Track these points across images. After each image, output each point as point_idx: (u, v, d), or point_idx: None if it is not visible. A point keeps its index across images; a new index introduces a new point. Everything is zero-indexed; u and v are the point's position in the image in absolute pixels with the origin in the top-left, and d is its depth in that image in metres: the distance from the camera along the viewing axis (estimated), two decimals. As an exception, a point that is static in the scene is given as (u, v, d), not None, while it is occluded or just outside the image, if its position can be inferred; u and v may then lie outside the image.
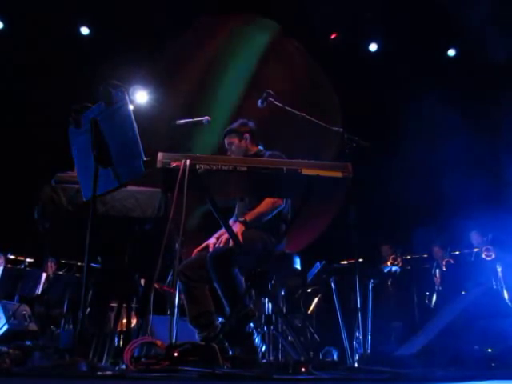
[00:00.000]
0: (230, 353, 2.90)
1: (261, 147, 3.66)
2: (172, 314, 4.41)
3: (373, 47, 8.27)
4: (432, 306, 6.53)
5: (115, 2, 7.17)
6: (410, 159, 7.88)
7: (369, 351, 4.66)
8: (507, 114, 7.21)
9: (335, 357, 5.51)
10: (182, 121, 3.36)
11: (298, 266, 3.48)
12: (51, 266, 7.03)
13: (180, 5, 7.25)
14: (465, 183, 7.49)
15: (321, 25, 7.62)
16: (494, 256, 6.26)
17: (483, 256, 6.33)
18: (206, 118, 3.36)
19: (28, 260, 6.95)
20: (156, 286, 5.01)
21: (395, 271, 6.77)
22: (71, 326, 5.99)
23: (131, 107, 2.49)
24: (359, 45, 8.27)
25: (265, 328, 3.23)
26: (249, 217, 3.26)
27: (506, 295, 5.88)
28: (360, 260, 5.89)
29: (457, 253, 6.89)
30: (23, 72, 7.30)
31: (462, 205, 7.36)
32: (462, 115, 7.65)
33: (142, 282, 4.19)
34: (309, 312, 5.73)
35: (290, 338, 3.51)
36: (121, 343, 4.05)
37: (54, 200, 2.80)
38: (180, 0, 7.37)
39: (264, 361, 3.21)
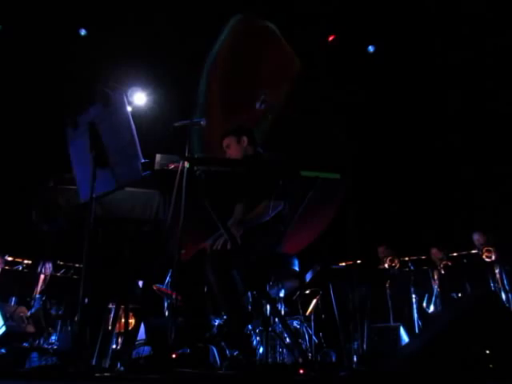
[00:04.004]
0: (228, 354, 2.90)
1: (259, 149, 3.66)
2: (170, 315, 4.40)
3: (371, 48, 8.27)
4: (430, 308, 6.53)
5: (114, 3, 7.17)
6: (409, 159, 7.90)
7: (366, 353, 4.67)
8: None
9: (333, 358, 5.51)
10: (179, 123, 3.36)
11: (296, 267, 3.48)
12: (49, 267, 7.01)
13: (179, 5, 7.26)
14: (465, 183, 7.53)
15: (320, 26, 7.64)
16: (494, 257, 6.25)
17: (483, 257, 6.31)
18: (204, 119, 3.36)
19: (26, 262, 6.93)
20: (154, 287, 5.00)
21: (393, 273, 6.77)
22: (69, 328, 5.97)
23: (129, 109, 2.49)
24: (358, 46, 8.27)
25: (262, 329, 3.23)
26: (247, 218, 3.26)
27: (503, 297, 5.89)
28: (358, 262, 5.90)
29: (455, 254, 6.88)
30: (23, 72, 7.30)
31: (462, 205, 7.38)
32: (462, 116, 7.68)
33: (140, 283, 4.19)
34: (307, 314, 5.72)
35: (288, 340, 3.52)
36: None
37: (52, 202, 2.80)
38: (179, 0, 7.37)
39: (262, 362, 3.20)
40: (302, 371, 2.21)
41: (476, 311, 2.79)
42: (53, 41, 7.35)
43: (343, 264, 6.11)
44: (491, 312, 2.78)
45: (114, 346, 3.82)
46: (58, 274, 6.87)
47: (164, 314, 5.19)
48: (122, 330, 4.29)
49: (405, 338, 5.65)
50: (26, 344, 5.33)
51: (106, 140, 2.50)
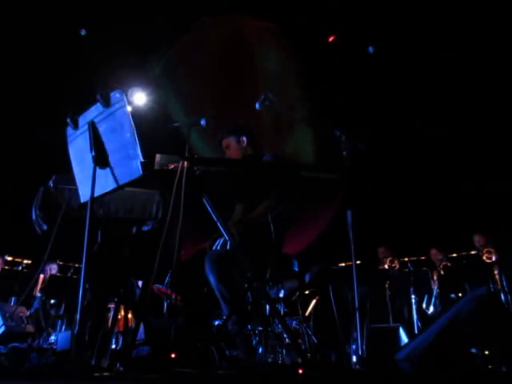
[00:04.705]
0: (228, 354, 2.90)
1: (258, 150, 3.66)
2: (169, 315, 4.41)
3: (371, 48, 8.25)
4: (429, 309, 6.53)
5: (114, 3, 7.17)
6: (409, 160, 7.90)
7: (366, 354, 4.66)
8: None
9: (333, 359, 5.50)
10: (179, 123, 3.36)
11: (295, 267, 3.48)
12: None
13: (179, 5, 7.26)
14: (465, 183, 7.52)
15: (320, 26, 7.64)
16: (494, 258, 6.25)
17: (484, 258, 6.31)
18: (204, 119, 3.36)
19: (26, 261, 6.94)
20: (153, 288, 5.00)
21: (393, 273, 6.77)
22: (68, 328, 5.98)
23: (129, 109, 2.48)
24: (358, 46, 8.26)
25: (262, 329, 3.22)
26: (247, 218, 3.26)
27: (502, 298, 5.88)
28: (358, 262, 5.89)
29: (454, 255, 6.89)
30: (23, 73, 7.30)
31: (462, 206, 7.38)
32: (462, 116, 7.67)
33: (140, 283, 4.18)
34: (306, 314, 5.71)
35: (287, 340, 3.51)
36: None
37: (52, 201, 2.80)
38: (179, 1, 7.37)
39: (261, 362, 3.20)
40: (301, 371, 2.21)
41: (476, 311, 2.80)
42: (53, 41, 7.35)
43: (343, 264, 6.11)
44: (491, 312, 2.79)
45: (113, 346, 3.82)
46: (58, 274, 6.87)
47: (164, 314, 5.19)
48: (122, 330, 4.29)
49: (404, 338, 5.64)
50: (25, 344, 5.33)
51: (105, 140, 2.50)
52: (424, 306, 6.57)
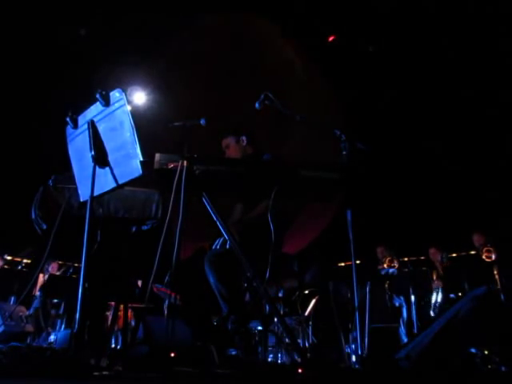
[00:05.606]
0: (228, 353, 2.90)
1: (258, 149, 3.65)
2: (169, 315, 4.39)
3: (371, 48, 8.25)
4: (429, 309, 6.53)
5: (113, 3, 7.17)
6: (407, 160, 7.90)
7: (365, 353, 4.66)
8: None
9: (332, 358, 5.50)
10: (179, 122, 3.35)
11: (295, 267, 3.48)
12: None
13: (179, 6, 7.25)
14: (464, 182, 7.53)
15: (320, 26, 7.64)
16: (494, 257, 6.24)
17: (483, 257, 6.31)
18: (203, 119, 3.35)
19: (25, 261, 6.94)
20: (153, 287, 5.00)
21: (392, 273, 6.77)
22: (68, 327, 5.97)
23: (129, 108, 2.48)
24: (358, 45, 8.26)
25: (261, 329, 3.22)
26: (247, 218, 3.26)
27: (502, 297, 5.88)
28: (357, 262, 5.89)
29: (454, 255, 6.89)
30: (23, 73, 7.30)
31: (461, 205, 7.38)
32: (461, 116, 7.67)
33: (140, 282, 4.18)
34: (306, 314, 5.71)
35: (287, 340, 3.51)
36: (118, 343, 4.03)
37: (51, 201, 2.80)
38: (178, 1, 7.37)
39: (261, 362, 3.20)
40: (300, 371, 2.21)
41: (475, 310, 2.79)
42: (53, 40, 7.35)
43: (343, 264, 6.12)
44: (491, 311, 2.78)
45: (113, 345, 3.82)
46: (58, 274, 6.87)
47: (163, 313, 5.19)
48: (122, 329, 4.29)
49: (404, 338, 5.65)
50: (24, 343, 5.32)
51: (105, 139, 2.50)
52: (423, 305, 6.57)
